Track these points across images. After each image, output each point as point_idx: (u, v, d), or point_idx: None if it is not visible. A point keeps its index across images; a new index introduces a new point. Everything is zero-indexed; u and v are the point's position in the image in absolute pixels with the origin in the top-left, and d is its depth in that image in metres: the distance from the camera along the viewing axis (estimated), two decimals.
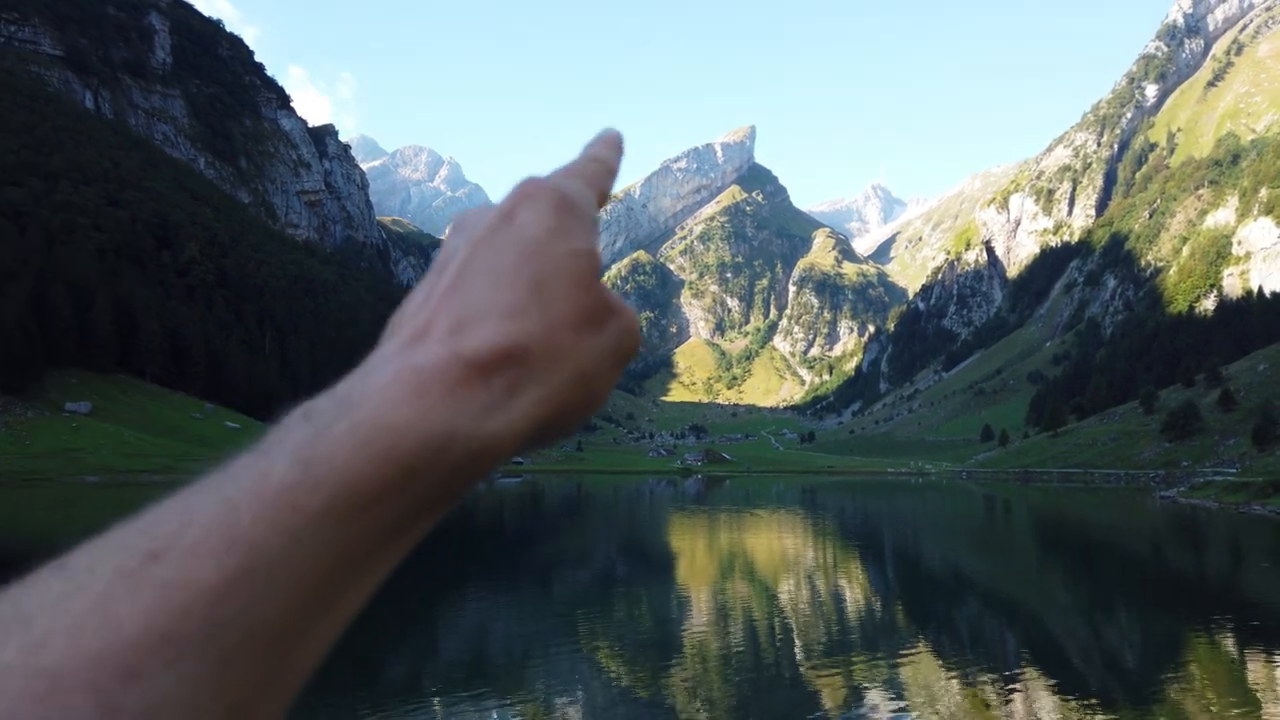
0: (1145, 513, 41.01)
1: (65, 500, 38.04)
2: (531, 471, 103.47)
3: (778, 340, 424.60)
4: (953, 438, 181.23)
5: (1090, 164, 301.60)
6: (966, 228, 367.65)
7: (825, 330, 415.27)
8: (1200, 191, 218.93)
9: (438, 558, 18.55)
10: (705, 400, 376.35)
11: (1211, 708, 8.88)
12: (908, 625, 13.90)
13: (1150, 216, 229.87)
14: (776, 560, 22.83)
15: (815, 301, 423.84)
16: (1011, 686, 9.83)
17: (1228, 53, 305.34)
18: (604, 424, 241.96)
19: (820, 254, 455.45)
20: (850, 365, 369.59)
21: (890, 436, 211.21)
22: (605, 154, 0.46)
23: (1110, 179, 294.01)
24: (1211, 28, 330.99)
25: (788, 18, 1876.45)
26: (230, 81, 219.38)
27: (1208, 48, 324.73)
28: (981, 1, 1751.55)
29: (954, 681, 9.93)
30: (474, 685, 9.84)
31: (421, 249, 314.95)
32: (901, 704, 9.07)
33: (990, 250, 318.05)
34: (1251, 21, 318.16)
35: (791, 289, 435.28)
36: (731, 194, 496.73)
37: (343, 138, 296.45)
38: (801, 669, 10.54)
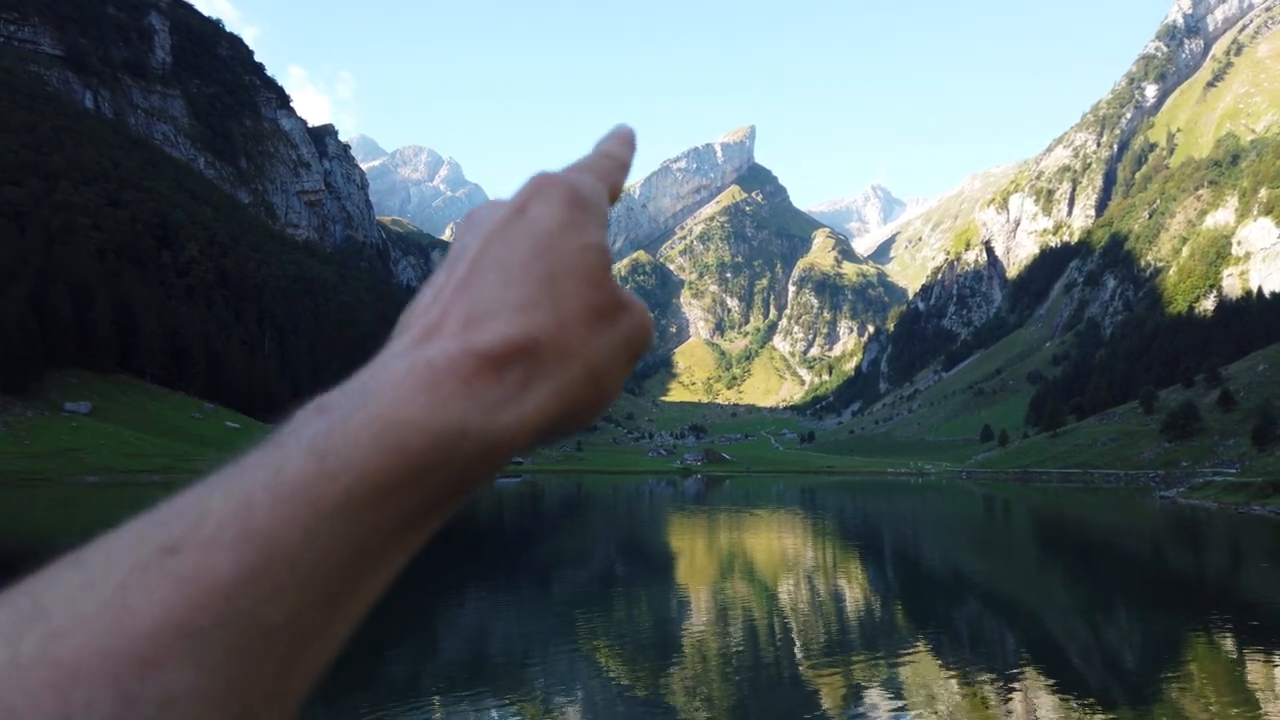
0: (1145, 513, 41.01)
1: (65, 500, 38.04)
2: (531, 471, 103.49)
3: (777, 340, 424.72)
4: (952, 438, 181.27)
5: (1090, 164, 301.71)
6: (966, 228, 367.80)
7: (825, 330, 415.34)
8: (1200, 192, 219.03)
9: (437, 558, 18.54)
10: (705, 400, 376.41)
11: (1211, 707, 8.89)
12: (908, 625, 13.91)
13: (1150, 217, 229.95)
14: (776, 560, 22.83)
15: (815, 301, 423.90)
16: (1011, 686, 9.84)
17: (1227, 53, 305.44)
18: (603, 424, 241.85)
19: (820, 254, 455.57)
20: (850, 365, 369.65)
21: (890, 437, 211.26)
22: (618, 150, 0.46)
23: (1110, 179, 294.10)
24: (1211, 28, 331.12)
25: (787, 17, 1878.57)
26: (230, 81, 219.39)
27: (1207, 48, 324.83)
28: (982, 2, 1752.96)
29: (954, 681, 9.94)
30: (474, 685, 9.85)
31: (421, 249, 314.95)
32: (901, 704, 9.08)
33: (990, 250, 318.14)
34: (1251, 22, 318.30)
35: (791, 289, 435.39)
36: (731, 194, 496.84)
37: (342, 137, 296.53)
38: (801, 669, 10.54)
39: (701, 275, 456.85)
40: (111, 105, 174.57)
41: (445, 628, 13.47)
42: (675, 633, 13.00)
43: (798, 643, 12.11)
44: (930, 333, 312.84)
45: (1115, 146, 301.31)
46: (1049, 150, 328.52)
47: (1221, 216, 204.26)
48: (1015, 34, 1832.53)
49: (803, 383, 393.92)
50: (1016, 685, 9.89)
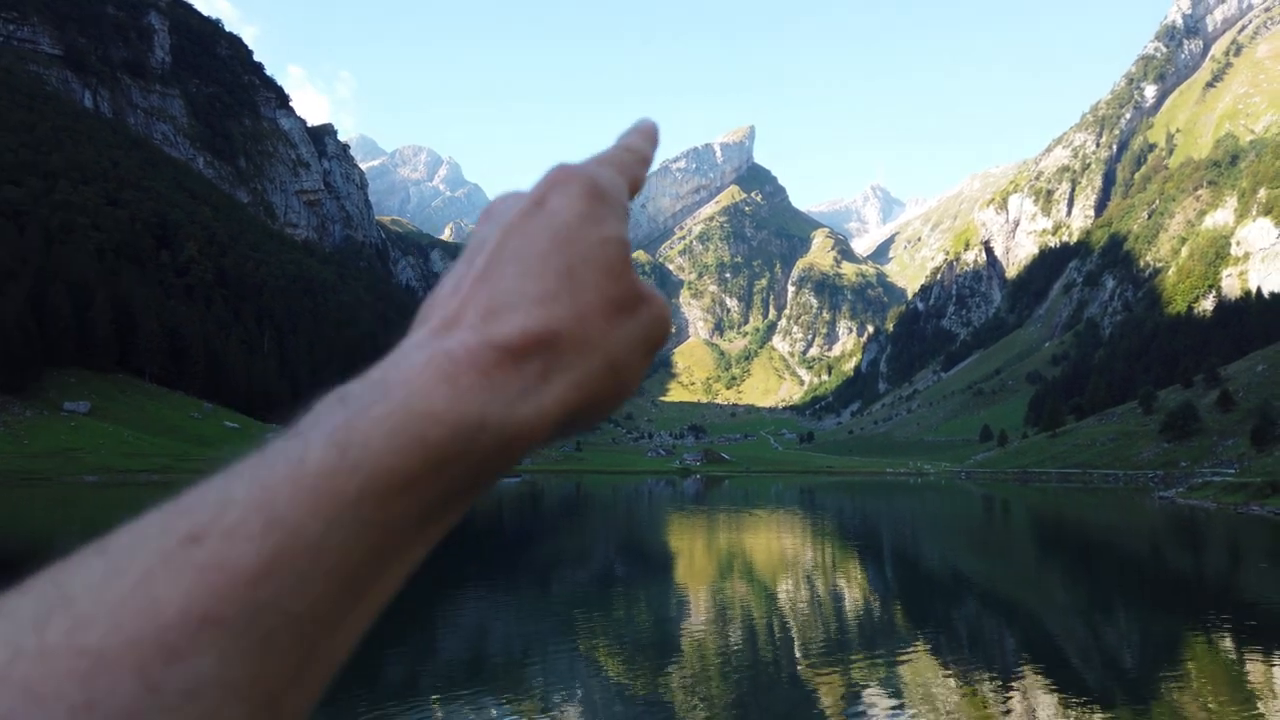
0: (1144, 513, 41.05)
1: (64, 500, 38.04)
2: (530, 471, 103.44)
3: (777, 340, 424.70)
4: (951, 438, 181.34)
5: (1089, 165, 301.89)
6: (965, 228, 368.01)
7: (824, 330, 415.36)
8: (1199, 192, 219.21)
9: (437, 557, 18.45)
10: (704, 400, 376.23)
11: (1210, 707, 8.90)
12: (907, 625, 13.92)
13: (1149, 217, 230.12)
14: (775, 560, 22.84)
15: (814, 302, 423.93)
16: (1010, 686, 9.85)
17: (1226, 53, 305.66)
18: (603, 424, 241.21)
19: (819, 254, 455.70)
20: (849, 365, 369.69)
21: (889, 437, 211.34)
22: (639, 143, 0.46)
23: (1109, 179, 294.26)
24: (1210, 29, 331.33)
25: (787, 17, 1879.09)
26: (229, 81, 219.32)
27: (1207, 48, 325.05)
28: (981, 2, 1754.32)
29: (953, 681, 9.95)
30: (474, 685, 9.86)
31: (420, 249, 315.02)
32: (901, 704, 9.09)
33: (989, 251, 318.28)
34: (1250, 22, 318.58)
35: (790, 289, 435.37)
36: (730, 194, 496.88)
37: (342, 137, 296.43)
38: (801, 669, 10.55)
39: (701, 275, 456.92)
40: (110, 105, 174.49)
41: (445, 628, 13.46)
42: (674, 633, 13.01)
43: (797, 643, 12.11)
44: (929, 333, 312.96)
45: (1114, 147, 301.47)
46: (1048, 150, 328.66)
47: (1220, 217, 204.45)
48: (1015, 34, 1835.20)
49: (802, 383, 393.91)
50: (1016, 685, 9.90)
